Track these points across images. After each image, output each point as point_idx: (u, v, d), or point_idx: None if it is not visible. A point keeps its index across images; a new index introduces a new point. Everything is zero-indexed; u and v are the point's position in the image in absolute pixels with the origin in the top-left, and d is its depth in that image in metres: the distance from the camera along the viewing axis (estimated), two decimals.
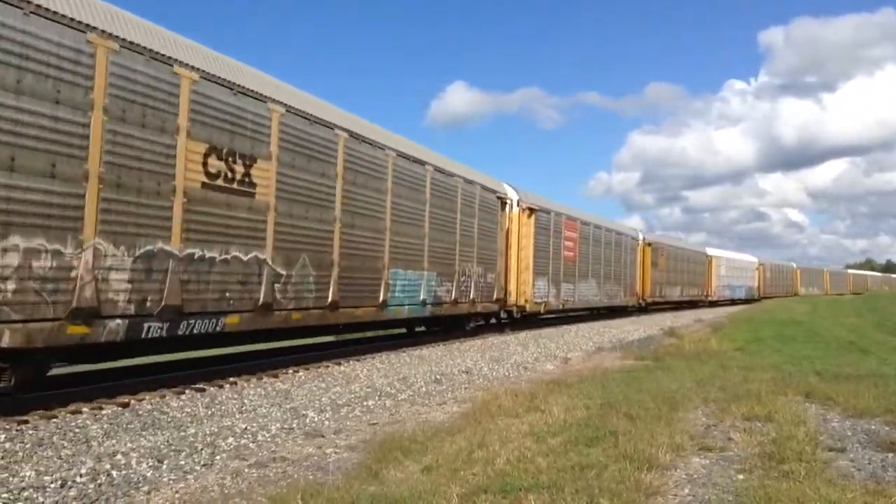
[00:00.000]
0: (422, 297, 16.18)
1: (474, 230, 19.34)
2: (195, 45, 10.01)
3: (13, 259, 7.26)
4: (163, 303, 9.10)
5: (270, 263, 11.05)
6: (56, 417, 7.71)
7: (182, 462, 6.16)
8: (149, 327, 8.92)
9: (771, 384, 9.58)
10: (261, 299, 10.84)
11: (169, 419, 7.90)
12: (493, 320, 22.52)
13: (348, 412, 8.59)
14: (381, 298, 14.39)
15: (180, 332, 9.43)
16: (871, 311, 38.36)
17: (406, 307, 15.50)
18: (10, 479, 5.49)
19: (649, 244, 38.08)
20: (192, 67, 9.59)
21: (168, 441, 6.85)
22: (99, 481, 5.51)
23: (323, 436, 7.25)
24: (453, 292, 17.88)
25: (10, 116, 7.28)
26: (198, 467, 6.02)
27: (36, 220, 7.49)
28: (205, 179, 9.78)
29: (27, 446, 6.47)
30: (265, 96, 11.06)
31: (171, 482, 5.56)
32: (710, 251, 51.89)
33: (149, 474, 5.76)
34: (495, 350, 16.29)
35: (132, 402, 8.66)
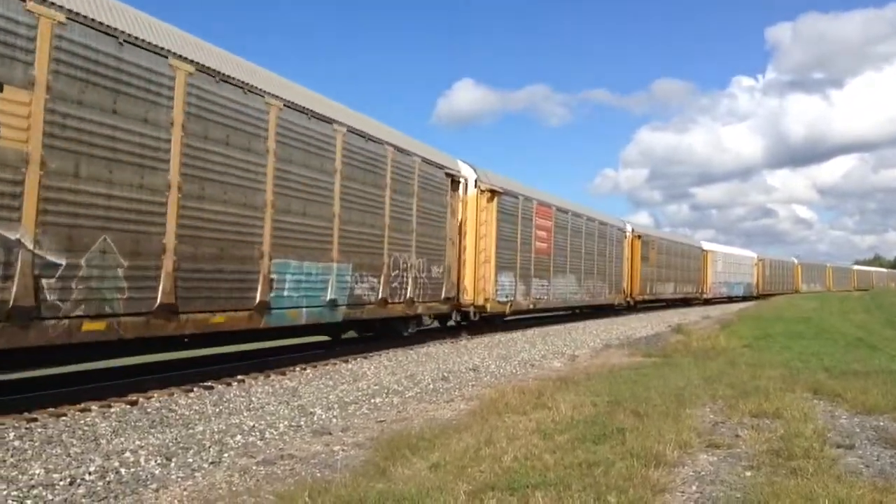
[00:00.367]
0: (329, 297, 12.48)
1: (412, 213, 15.57)
2: None
3: None
4: None
5: (31, 247, 7.41)
6: (65, 415, 7.75)
7: (190, 459, 6.18)
8: None
9: (779, 381, 9.57)
10: (11, 301, 7.22)
11: (177, 417, 7.93)
12: (450, 322, 19.85)
13: (356, 410, 8.61)
14: (257, 299, 10.70)
15: None
16: (879, 308, 38.21)
17: (304, 310, 11.87)
18: (20, 476, 5.52)
19: (638, 237, 34.90)
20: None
21: (176, 438, 6.87)
22: (108, 479, 5.53)
23: (331, 433, 7.27)
24: (380, 290, 14.26)
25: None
26: (206, 465, 6.04)
27: None
28: None
29: (36, 444, 6.50)
30: None
31: (179, 480, 5.58)
32: (706, 245, 49.34)
33: (157, 472, 5.78)
34: (502, 347, 16.29)
35: (140, 399, 8.69)
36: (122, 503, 5.05)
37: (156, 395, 9.02)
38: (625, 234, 33.44)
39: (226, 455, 6.37)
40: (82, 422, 7.46)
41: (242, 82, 10.48)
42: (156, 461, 6.06)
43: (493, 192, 19.65)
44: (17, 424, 7.20)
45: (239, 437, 7.04)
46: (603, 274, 29.92)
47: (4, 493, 5.13)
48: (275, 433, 7.27)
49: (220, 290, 10.03)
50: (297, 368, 11.71)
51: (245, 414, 8.16)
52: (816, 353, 13.63)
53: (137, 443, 6.66)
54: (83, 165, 7.97)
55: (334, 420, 7.99)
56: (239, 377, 10.51)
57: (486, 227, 19.46)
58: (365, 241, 13.75)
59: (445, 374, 11.55)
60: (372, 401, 9.18)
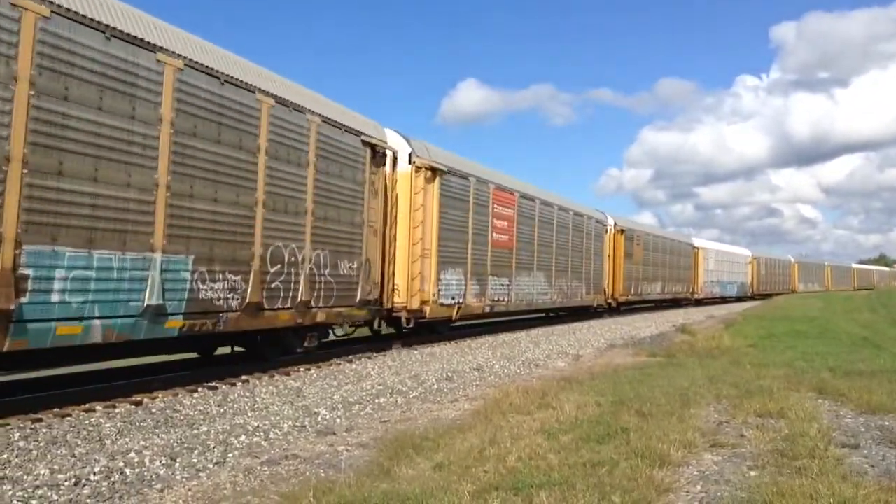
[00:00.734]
0: (149, 302, 8.79)
1: (305, 189, 11.71)
2: None
3: None
4: None
5: None
6: (70, 416, 7.76)
7: (195, 460, 6.19)
8: None
9: (783, 380, 9.55)
10: None
11: (182, 417, 7.94)
12: (384, 330, 16.79)
13: (360, 410, 8.62)
14: None
15: None
16: (885, 307, 38.10)
17: (96, 323, 8.09)
18: (25, 477, 5.54)
19: (621, 231, 31.56)
20: None
21: (181, 439, 6.88)
22: (112, 479, 5.55)
23: (335, 433, 7.27)
24: (248, 292, 10.47)
25: None
26: (210, 465, 6.06)
27: None
28: None
29: (41, 444, 6.51)
30: None
31: (183, 480, 5.59)
32: (697, 242, 46.06)
33: (162, 472, 5.80)
34: (507, 347, 16.28)
35: (145, 400, 8.71)
36: (127, 503, 5.07)
37: (160, 395, 9.03)
38: (605, 228, 30.29)
39: (230, 455, 6.38)
40: (87, 422, 7.48)
41: None
42: (160, 461, 6.07)
43: (433, 171, 16.04)
44: (22, 425, 7.22)
45: (243, 437, 7.05)
46: (579, 272, 26.71)
47: (10, 493, 5.14)
48: (279, 433, 7.28)
49: None
50: (302, 369, 11.72)
51: (249, 414, 8.17)
52: (821, 353, 13.59)
53: (142, 443, 6.67)
54: None
55: (338, 420, 7.99)
56: (243, 377, 10.52)
57: (424, 214, 15.75)
58: (219, 223, 9.94)
59: (450, 374, 11.55)
60: (376, 401, 9.18)
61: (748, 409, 7.58)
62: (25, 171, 7.29)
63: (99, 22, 8.19)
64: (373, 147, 13.94)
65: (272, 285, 10.99)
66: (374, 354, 14.01)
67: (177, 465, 6.03)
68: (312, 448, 6.62)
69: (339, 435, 7.21)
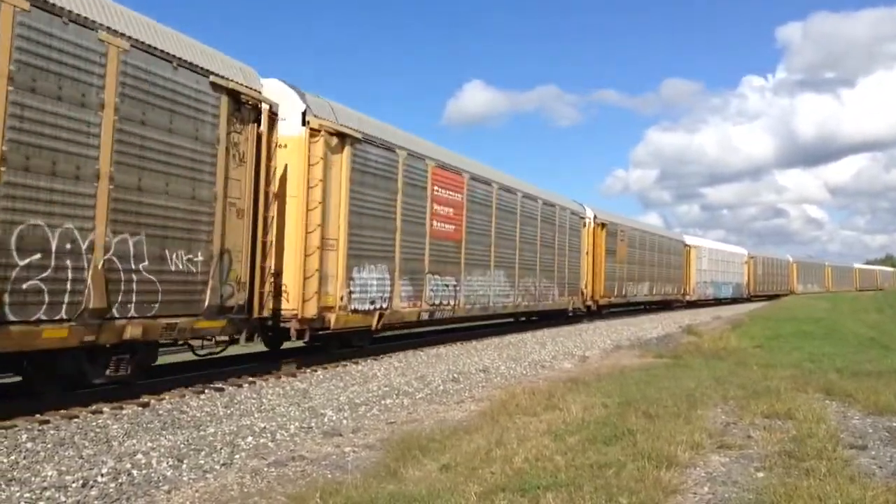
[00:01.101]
0: None
1: (98, 141, 8.11)
2: None
3: None
4: None
5: None
6: (77, 417, 7.78)
7: (202, 461, 6.20)
8: None
9: (790, 381, 9.53)
10: None
11: (188, 419, 7.96)
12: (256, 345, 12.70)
13: (366, 411, 8.62)
14: None
15: None
16: (891, 308, 38.00)
17: None
18: (33, 478, 5.56)
19: (602, 225, 28.15)
20: None
21: (188, 440, 6.90)
22: (120, 481, 5.56)
23: (341, 435, 7.28)
24: None
25: None
26: (217, 466, 6.07)
27: None
28: None
29: (49, 446, 6.54)
30: None
31: (190, 481, 5.61)
32: (689, 239, 43.05)
33: (169, 473, 5.81)
34: (512, 348, 16.27)
35: (152, 401, 8.73)
36: None
37: (167, 396, 9.05)
38: (583, 221, 26.81)
39: (237, 456, 6.40)
40: (94, 424, 7.50)
41: None
42: (167, 463, 6.09)
43: (341, 137, 12.40)
44: (29, 426, 7.24)
45: (250, 438, 7.06)
46: (550, 270, 23.23)
47: (17, 494, 5.16)
48: (286, 435, 7.29)
49: None
50: (308, 370, 11.72)
51: (256, 415, 8.19)
52: (828, 354, 13.56)
53: (149, 445, 6.69)
54: None
55: (345, 421, 8.00)
56: (250, 379, 10.54)
57: (325, 192, 11.99)
58: None
59: (456, 376, 11.55)
60: (382, 402, 9.19)
61: (755, 411, 7.56)
62: None
63: None
64: (233, 95, 10.15)
65: (24, 285, 7.25)
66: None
67: (184, 466, 6.04)
68: (319, 449, 6.62)
69: (346, 436, 7.21)
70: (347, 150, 12.58)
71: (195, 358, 11.96)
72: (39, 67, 7.47)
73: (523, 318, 23.72)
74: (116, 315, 8.35)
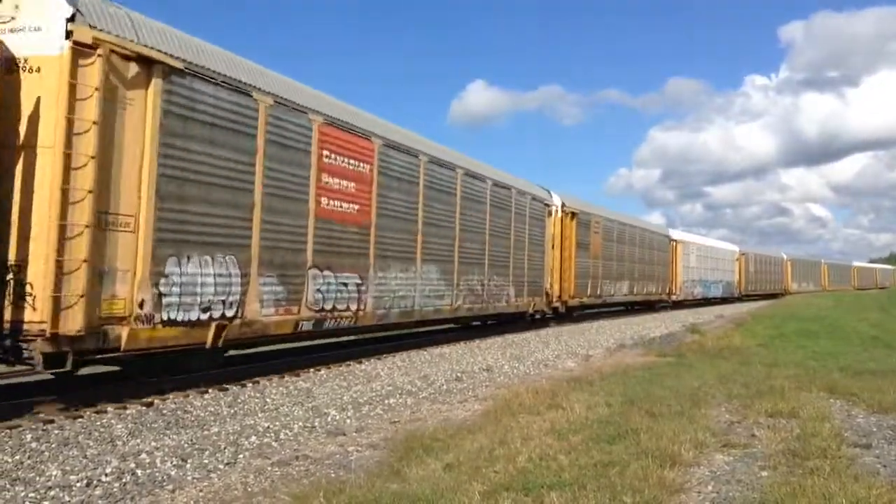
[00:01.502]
0: None
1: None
2: None
3: None
4: None
5: None
6: (81, 417, 7.79)
7: (206, 461, 6.21)
8: None
9: (794, 380, 9.51)
10: None
11: (192, 418, 7.97)
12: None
13: (370, 410, 8.62)
14: None
15: None
16: (895, 306, 37.87)
17: None
18: (37, 478, 5.57)
19: (573, 214, 24.23)
20: None
21: (192, 440, 6.91)
22: (124, 480, 5.57)
23: (345, 434, 7.28)
24: None
25: None
26: (221, 466, 6.07)
27: None
28: None
29: (53, 446, 6.55)
30: None
31: (194, 481, 5.61)
32: (675, 234, 39.57)
33: (173, 473, 5.82)
34: (516, 348, 16.26)
35: (156, 401, 8.73)
36: None
37: (171, 396, 9.06)
38: (549, 210, 22.83)
39: (241, 456, 6.40)
40: (98, 423, 7.51)
41: None
42: (171, 462, 6.10)
43: (144, 63, 8.42)
44: (33, 426, 7.25)
45: (254, 438, 7.07)
46: (504, 266, 19.37)
47: (22, 494, 5.17)
48: (289, 434, 7.29)
49: None
50: (311, 370, 11.72)
51: (260, 415, 8.19)
52: (832, 353, 13.54)
53: (153, 444, 6.70)
54: None
55: (348, 421, 8.00)
56: (254, 378, 10.54)
57: (103, 141, 7.85)
58: None
59: (459, 375, 11.55)
60: (386, 401, 9.19)
61: (759, 409, 7.56)
62: None
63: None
64: None
65: None
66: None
67: (188, 465, 6.05)
68: (323, 448, 6.63)
69: (350, 435, 7.22)
70: (157, 83, 8.55)
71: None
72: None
73: (477, 323, 20.32)
74: None
